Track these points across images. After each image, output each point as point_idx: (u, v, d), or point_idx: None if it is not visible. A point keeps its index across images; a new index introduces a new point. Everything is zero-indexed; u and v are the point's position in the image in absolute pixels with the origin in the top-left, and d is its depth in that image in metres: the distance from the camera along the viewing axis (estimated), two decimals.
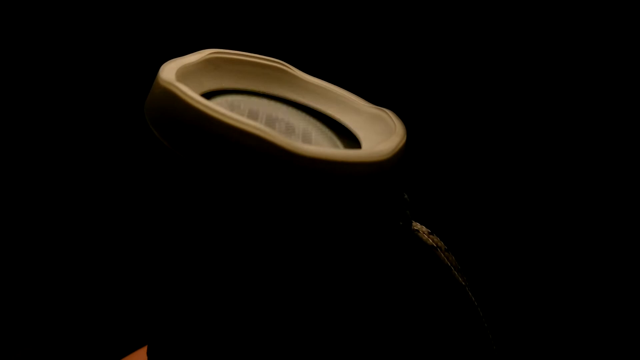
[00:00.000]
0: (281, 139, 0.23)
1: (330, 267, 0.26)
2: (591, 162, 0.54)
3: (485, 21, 0.54)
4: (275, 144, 0.23)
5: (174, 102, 0.24)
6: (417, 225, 0.31)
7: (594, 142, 0.54)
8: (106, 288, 0.58)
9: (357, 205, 0.25)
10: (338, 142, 0.29)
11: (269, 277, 0.25)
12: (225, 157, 0.23)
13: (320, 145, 0.28)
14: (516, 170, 0.56)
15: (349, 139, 0.30)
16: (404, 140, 0.27)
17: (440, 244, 0.31)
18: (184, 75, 0.28)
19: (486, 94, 0.55)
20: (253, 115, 0.29)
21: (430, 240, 0.31)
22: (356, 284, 0.27)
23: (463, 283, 0.31)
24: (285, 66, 0.33)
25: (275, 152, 0.23)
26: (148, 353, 0.31)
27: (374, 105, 0.31)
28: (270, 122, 0.29)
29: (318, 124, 0.31)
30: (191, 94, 0.24)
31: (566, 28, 0.53)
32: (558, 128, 0.55)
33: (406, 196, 0.29)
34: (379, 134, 0.29)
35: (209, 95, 0.30)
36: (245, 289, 0.26)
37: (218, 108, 0.24)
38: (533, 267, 0.55)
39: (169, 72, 0.26)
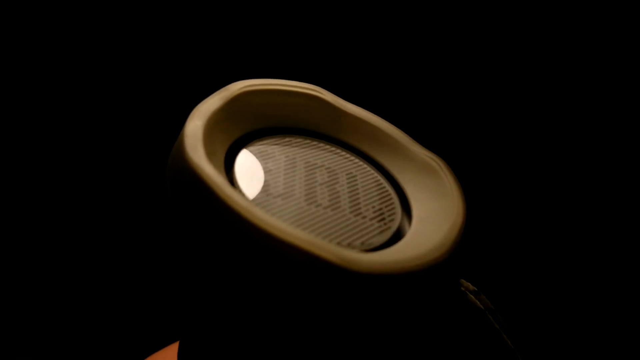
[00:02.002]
0: (334, 253, 0.20)
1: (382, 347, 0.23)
2: (604, 176, 0.52)
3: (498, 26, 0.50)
4: (327, 259, 0.20)
5: (208, 199, 0.21)
6: (463, 284, 0.28)
7: (606, 156, 0.51)
8: (111, 291, 0.56)
9: (411, 301, 0.22)
10: (388, 200, 0.26)
11: None
12: (266, 264, 0.20)
13: (368, 218, 0.25)
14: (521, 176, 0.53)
15: (396, 190, 0.27)
16: (464, 222, 0.24)
17: (489, 304, 0.28)
18: (210, 130, 0.24)
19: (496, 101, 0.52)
20: (290, 164, 0.26)
21: (479, 302, 0.28)
22: (410, 353, 0.25)
23: (512, 347, 0.28)
24: (321, 93, 0.29)
25: (327, 267, 0.20)
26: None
27: (422, 149, 0.28)
28: (311, 172, 0.26)
29: (364, 167, 0.27)
30: (229, 191, 0.21)
31: (566, 28, 0.49)
32: (565, 138, 0.52)
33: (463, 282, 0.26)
34: (430, 193, 0.26)
35: (238, 143, 0.26)
36: None
37: (262, 215, 0.20)
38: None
39: (196, 140, 0.22)
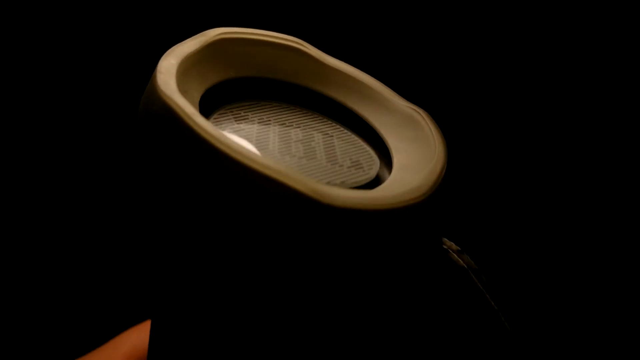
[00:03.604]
0: (309, 186, 0.19)
1: (358, 294, 0.22)
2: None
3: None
4: (300, 191, 0.19)
5: (178, 128, 0.20)
6: (446, 243, 0.27)
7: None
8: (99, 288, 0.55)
9: (388, 244, 0.21)
10: (366, 154, 0.25)
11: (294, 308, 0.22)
12: (237, 195, 0.19)
13: (343, 165, 0.24)
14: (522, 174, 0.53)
15: (377, 145, 0.26)
16: (444, 168, 0.23)
17: (472, 264, 0.27)
18: (185, 71, 0.23)
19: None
20: (264, 124, 0.25)
21: (461, 261, 0.27)
22: (385, 309, 0.24)
23: (496, 308, 0.27)
24: (303, 46, 0.28)
25: (300, 199, 0.19)
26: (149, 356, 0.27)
27: (405, 102, 0.27)
28: (285, 131, 0.25)
29: (341, 129, 0.26)
30: (201, 121, 0.20)
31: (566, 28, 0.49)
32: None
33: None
34: (412, 143, 0.25)
35: (213, 90, 0.25)
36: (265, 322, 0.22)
37: (235, 144, 0.19)
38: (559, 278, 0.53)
39: (169, 76, 0.22)
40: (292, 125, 0.26)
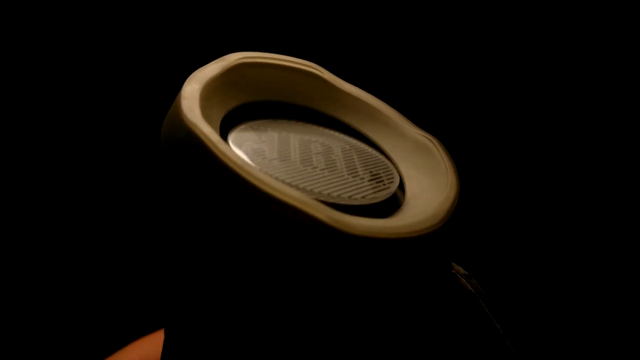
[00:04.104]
0: (328, 214, 0.20)
1: (369, 320, 0.23)
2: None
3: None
4: (320, 219, 0.20)
5: (204, 156, 0.20)
6: (454, 267, 0.28)
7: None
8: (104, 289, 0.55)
9: (402, 270, 0.22)
10: (386, 168, 0.26)
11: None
12: (260, 221, 0.20)
13: (365, 190, 0.25)
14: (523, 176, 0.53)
15: (390, 172, 0.27)
16: (457, 196, 0.23)
17: (479, 288, 0.28)
18: (207, 96, 0.24)
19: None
20: (284, 138, 0.26)
21: (469, 286, 0.28)
22: (396, 331, 0.24)
23: (502, 332, 0.28)
24: (318, 71, 0.29)
25: (320, 227, 0.20)
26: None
27: (417, 128, 0.28)
28: (305, 145, 0.26)
29: (359, 144, 0.27)
30: (226, 150, 0.21)
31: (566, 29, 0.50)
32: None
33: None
34: (424, 170, 0.26)
35: (233, 113, 0.26)
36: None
37: (257, 172, 0.20)
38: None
39: (193, 102, 0.22)
40: (311, 139, 0.27)
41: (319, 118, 0.28)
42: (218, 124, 0.24)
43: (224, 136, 0.25)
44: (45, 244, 0.55)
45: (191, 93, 0.23)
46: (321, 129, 0.28)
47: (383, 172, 0.26)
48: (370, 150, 0.27)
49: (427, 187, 0.25)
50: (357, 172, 0.25)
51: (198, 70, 0.25)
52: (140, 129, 0.53)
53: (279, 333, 0.22)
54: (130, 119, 0.54)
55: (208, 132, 0.21)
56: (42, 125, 0.54)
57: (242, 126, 0.26)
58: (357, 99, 0.29)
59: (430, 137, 0.27)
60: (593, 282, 0.52)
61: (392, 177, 0.26)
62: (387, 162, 0.27)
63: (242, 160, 0.20)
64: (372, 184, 0.24)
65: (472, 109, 0.53)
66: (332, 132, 0.28)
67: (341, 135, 0.28)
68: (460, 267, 0.28)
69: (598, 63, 0.51)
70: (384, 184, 0.25)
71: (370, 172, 0.25)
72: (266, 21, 0.52)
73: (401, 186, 0.26)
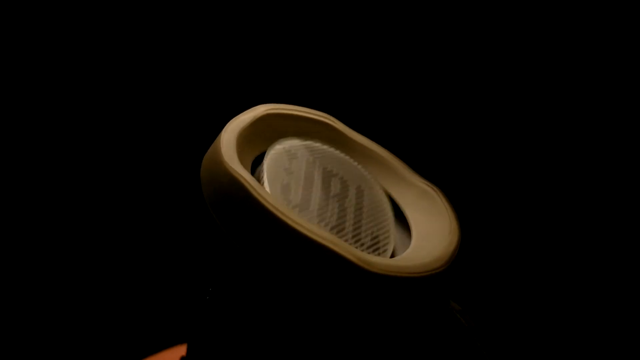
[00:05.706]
0: (354, 254, 0.24)
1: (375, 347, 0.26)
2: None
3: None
4: (348, 259, 0.24)
5: (247, 202, 0.24)
6: (450, 303, 0.31)
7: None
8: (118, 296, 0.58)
9: (412, 303, 0.25)
10: (386, 231, 0.29)
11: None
12: (297, 259, 0.24)
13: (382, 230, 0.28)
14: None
15: (387, 235, 0.30)
16: (459, 239, 0.27)
17: (472, 323, 0.31)
18: (241, 143, 0.27)
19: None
20: (310, 167, 0.29)
21: (464, 320, 0.31)
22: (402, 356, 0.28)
23: None
24: (332, 121, 0.33)
25: (349, 265, 0.24)
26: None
27: (420, 178, 0.31)
28: (326, 181, 0.29)
29: (371, 183, 0.31)
30: (264, 194, 0.24)
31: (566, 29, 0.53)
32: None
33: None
34: (428, 215, 0.29)
35: (261, 157, 0.29)
36: None
37: (291, 214, 0.24)
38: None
39: (231, 150, 0.26)
40: (333, 172, 0.30)
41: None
42: (250, 163, 0.28)
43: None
44: (72, 258, 0.57)
45: (229, 141, 0.27)
46: (342, 156, 0.32)
47: (382, 236, 0.29)
48: (378, 196, 0.31)
49: (432, 230, 0.28)
50: (360, 235, 0.28)
51: (232, 119, 0.29)
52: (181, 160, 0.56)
53: (308, 354, 0.25)
54: (172, 154, 0.58)
55: (250, 179, 0.24)
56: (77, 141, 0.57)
57: (277, 146, 0.29)
58: (366, 148, 0.32)
59: (432, 186, 0.31)
60: (580, 319, 0.54)
61: (388, 243, 0.29)
62: (389, 212, 0.30)
63: (284, 206, 0.24)
64: (369, 251, 0.28)
65: (465, 161, 0.56)
66: (351, 161, 0.31)
67: (358, 167, 0.31)
68: (455, 303, 0.32)
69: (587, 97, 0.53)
70: (379, 251, 0.28)
71: (372, 234, 0.29)
72: (287, 76, 0.56)
73: (407, 229, 0.30)
